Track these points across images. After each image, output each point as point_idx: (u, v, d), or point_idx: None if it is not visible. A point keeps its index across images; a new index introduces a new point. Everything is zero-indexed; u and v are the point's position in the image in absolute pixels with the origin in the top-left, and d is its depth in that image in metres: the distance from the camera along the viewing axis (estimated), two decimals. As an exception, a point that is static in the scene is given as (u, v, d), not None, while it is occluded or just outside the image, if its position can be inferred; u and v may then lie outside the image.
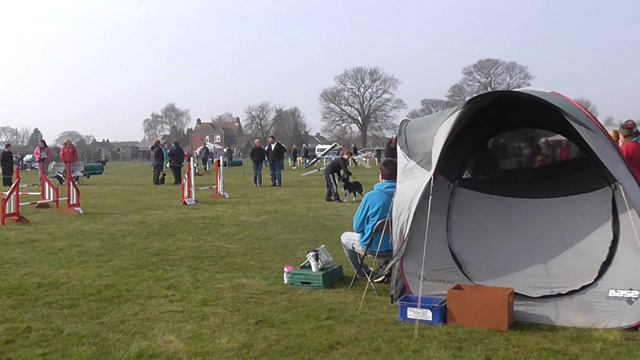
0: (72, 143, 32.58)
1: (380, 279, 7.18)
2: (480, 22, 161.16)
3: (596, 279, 5.64)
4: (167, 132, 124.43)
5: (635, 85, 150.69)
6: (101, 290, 7.07)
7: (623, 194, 5.41)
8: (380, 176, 7.49)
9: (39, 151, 27.44)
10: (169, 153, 30.02)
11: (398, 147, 6.51)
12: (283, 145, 28.37)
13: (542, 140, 6.80)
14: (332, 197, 18.19)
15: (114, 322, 5.82)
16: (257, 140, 29.56)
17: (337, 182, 18.44)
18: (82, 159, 47.46)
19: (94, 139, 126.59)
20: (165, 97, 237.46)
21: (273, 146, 25.97)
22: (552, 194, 6.23)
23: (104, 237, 11.30)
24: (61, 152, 28.68)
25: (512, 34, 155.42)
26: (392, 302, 6.26)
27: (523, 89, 6.31)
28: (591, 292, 5.62)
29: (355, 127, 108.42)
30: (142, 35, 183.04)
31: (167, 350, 5.01)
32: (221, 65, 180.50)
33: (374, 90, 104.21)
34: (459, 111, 6.00)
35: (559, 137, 6.57)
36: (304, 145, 61.64)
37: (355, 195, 18.31)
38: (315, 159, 49.27)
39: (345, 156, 19.82)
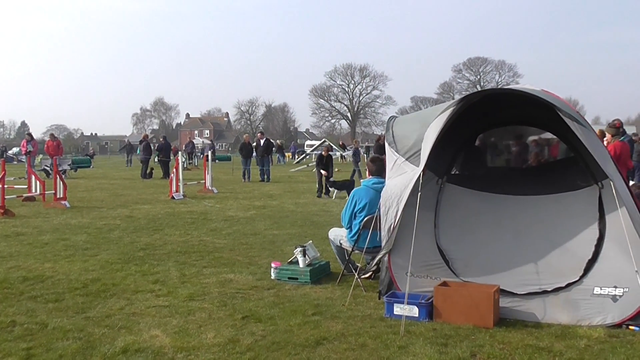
0: (58, 136, 32.25)
1: (367, 275, 7.19)
2: (470, 20, 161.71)
3: (581, 277, 5.68)
4: (155, 127, 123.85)
5: (622, 85, 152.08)
6: (87, 285, 7.03)
7: (614, 191, 5.44)
8: (367, 172, 7.49)
9: (25, 144, 27.23)
10: (157, 147, 29.88)
11: (386, 143, 6.51)
12: (272, 140, 28.30)
13: (531, 138, 6.83)
14: (322, 194, 18.23)
15: (100, 317, 5.78)
16: (246, 135, 29.46)
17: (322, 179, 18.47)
18: (69, 152, 47.08)
19: (82, 133, 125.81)
20: (154, 91, 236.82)
21: (262, 142, 25.92)
22: (540, 192, 6.26)
23: (90, 231, 11.23)
24: (45, 146, 28.48)
25: (502, 33, 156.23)
26: (379, 299, 6.27)
27: (514, 86, 6.34)
28: (576, 289, 5.66)
29: (344, 124, 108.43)
30: (132, 30, 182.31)
31: (153, 345, 4.99)
32: (211, 60, 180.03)
33: (364, 86, 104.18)
34: (451, 109, 6.01)
35: (548, 134, 6.60)
36: (292, 142, 61.69)
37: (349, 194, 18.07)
38: (304, 155, 49.20)
39: (323, 153, 19.77)
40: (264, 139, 26.41)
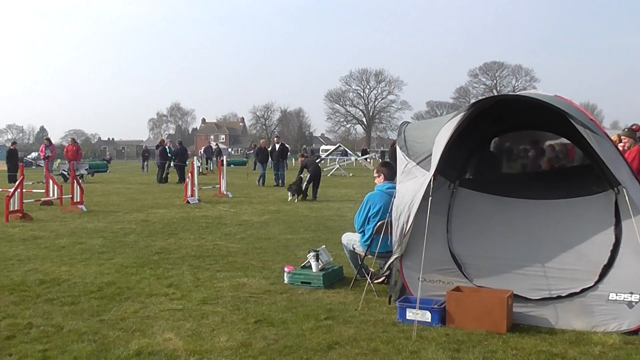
0: (77, 141, 32.59)
1: (380, 280, 7.18)
2: (486, 24, 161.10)
3: (597, 282, 5.62)
4: (172, 132, 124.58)
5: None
6: (102, 288, 7.09)
7: (627, 198, 5.39)
8: (380, 178, 7.46)
9: (44, 149, 27.62)
10: (173, 152, 30.07)
11: (397, 148, 6.51)
12: (287, 145, 28.36)
13: (547, 143, 6.79)
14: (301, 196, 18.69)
15: (114, 320, 5.84)
16: (262, 140, 29.55)
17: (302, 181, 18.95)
18: (87, 157, 47.44)
19: (99, 138, 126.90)
20: (171, 96, 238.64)
21: (277, 146, 25.98)
22: (554, 196, 6.20)
23: (106, 235, 11.33)
24: (65, 150, 28.77)
25: (518, 37, 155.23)
26: (390, 303, 6.26)
27: (526, 92, 6.32)
28: (591, 295, 5.61)
29: (359, 128, 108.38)
30: (148, 35, 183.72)
31: (166, 348, 5.03)
32: (227, 65, 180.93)
33: (379, 91, 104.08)
34: (462, 114, 6.00)
35: (563, 140, 6.55)
36: (304, 146, 61.64)
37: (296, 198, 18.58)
38: (319, 160, 49.28)
39: (300, 159, 20.11)
40: (280, 143, 26.47)
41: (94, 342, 5.17)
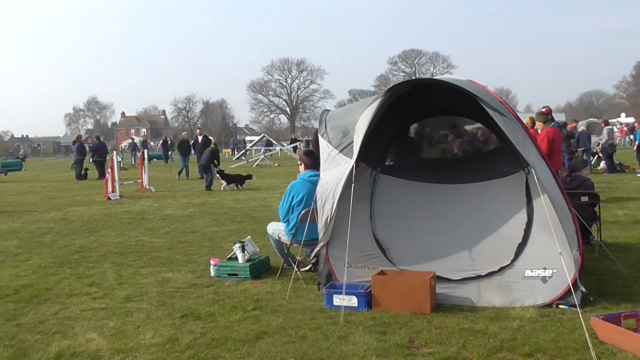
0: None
1: (307, 268, 7.23)
2: (404, 13, 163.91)
3: (513, 260, 5.87)
4: (90, 127, 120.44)
5: (551, 74, 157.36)
6: (19, 291, 6.80)
7: (535, 178, 5.62)
8: (302, 166, 7.51)
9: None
10: (91, 147, 29.12)
11: (319, 136, 6.55)
12: (210, 137, 27.95)
13: (462, 127, 7.00)
14: (212, 187, 19.24)
15: (33, 323, 5.62)
16: (185, 133, 29.03)
17: (214, 171, 19.56)
18: (-1, 155, 45.23)
19: (12, 135, 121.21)
20: (87, 90, 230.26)
21: (200, 138, 25.58)
22: (471, 179, 6.43)
23: (22, 235, 10.86)
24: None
25: (436, 25, 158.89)
26: (318, 289, 6.31)
27: (440, 76, 6.48)
28: (509, 272, 5.84)
29: (284, 118, 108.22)
30: (63, 27, 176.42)
31: (89, 349, 4.88)
32: (145, 57, 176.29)
33: (301, 81, 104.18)
34: (379, 99, 6.09)
35: (478, 124, 6.77)
36: (231, 138, 61.13)
37: (237, 187, 19.31)
38: (244, 151, 48.85)
39: (212, 145, 21.04)
40: (202, 135, 26.07)
41: (10, 348, 4.96)
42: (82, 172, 26.80)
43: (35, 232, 11.27)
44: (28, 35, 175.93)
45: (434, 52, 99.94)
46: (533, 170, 5.60)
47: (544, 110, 10.69)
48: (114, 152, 21.12)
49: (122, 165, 30.74)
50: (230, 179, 19.56)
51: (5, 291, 6.80)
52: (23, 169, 38.30)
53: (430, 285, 5.57)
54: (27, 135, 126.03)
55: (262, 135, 51.68)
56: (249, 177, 19.81)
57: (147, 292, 6.63)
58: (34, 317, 5.79)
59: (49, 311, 5.98)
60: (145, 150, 23.49)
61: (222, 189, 19.14)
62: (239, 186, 19.28)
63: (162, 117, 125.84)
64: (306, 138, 63.62)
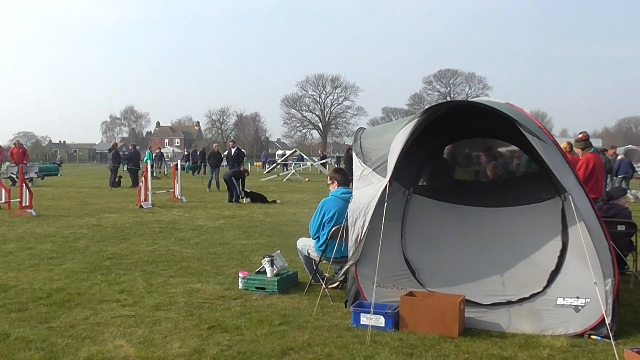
0: (25, 144, 31.83)
1: (334, 285, 7.21)
2: (441, 33, 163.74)
3: (545, 287, 5.77)
4: (125, 135, 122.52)
5: (589, 98, 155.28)
6: (51, 294, 6.92)
7: (572, 205, 5.54)
8: (334, 184, 7.49)
9: (-11, 152, 26.84)
10: (126, 156, 29.60)
11: (353, 154, 6.56)
12: (243, 150, 28.19)
13: (497, 150, 6.94)
14: (234, 199, 19.32)
15: (64, 327, 5.70)
16: (216, 144, 29.28)
17: (238, 186, 19.63)
18: (37, 160, 46.10)
19: (50, 140, 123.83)
20: (125, 99, 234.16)
21: (233, 151, 25.79)
22: (505, 203, 6.36)
23: (56, 240, 11.06)
24: (10, 153, 28.05)
25: (472, 46, 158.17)
26: (345, 307, 6.29)
27: (478, 99, 6.45)
28: (540, 299, 5.75)
29: (316, 134, 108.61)
30: (102, 37, 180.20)
31: (117, 355, 4.94)
32: (182, 69, 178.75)
33: (335, 97, 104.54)
34: (415, 120, 6.08)
35: (513, 147, 6.71)
36: (263, 151, 61.56)
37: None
38: (274, 165, 49.16)
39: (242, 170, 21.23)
40: (235, 147, 26.28)
41: (41, 350, 5.04)
42: (116, 179, 27.25)
43: (69, 237, 11.47)
44: (69, 45, 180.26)
45: (470, 73, 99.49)
46: (570, 197, 5.52)
47: (581, 136, 10.55)
48: (148, 161, 21.35)
49: (155, 175, 31.12)
50: (255, 197, 19.49)
51: (39, 294, 6.92)
52: (59, 174, 39.08)
53: (459, 309, 5.51)
54: (64, 141, 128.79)
55: (294, 149, 51.95)
56: (274, 202, 19.66)
57: (175, 301, 6.68)
58: (65, 321, 5.88)
59: (79, 316, 6.07)
60: (179, 161, 23.78)
61: (243, 201, 19.22)
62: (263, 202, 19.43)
63: (196, 128, 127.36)
64: (337, 154, 63.73)
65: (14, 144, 30.59)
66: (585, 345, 5.30)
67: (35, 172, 29.94)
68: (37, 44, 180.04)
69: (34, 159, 42.88)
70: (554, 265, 5.82)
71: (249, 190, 19.91)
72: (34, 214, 14.89)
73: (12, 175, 27.03)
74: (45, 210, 16.29)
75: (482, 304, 5.86)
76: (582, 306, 5.56)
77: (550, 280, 5.78)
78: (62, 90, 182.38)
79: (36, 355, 4.93)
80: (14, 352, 4.99)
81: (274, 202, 19.59)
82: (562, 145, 9.01)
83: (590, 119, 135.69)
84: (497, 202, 6.41)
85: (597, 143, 37.53)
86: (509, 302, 5.82)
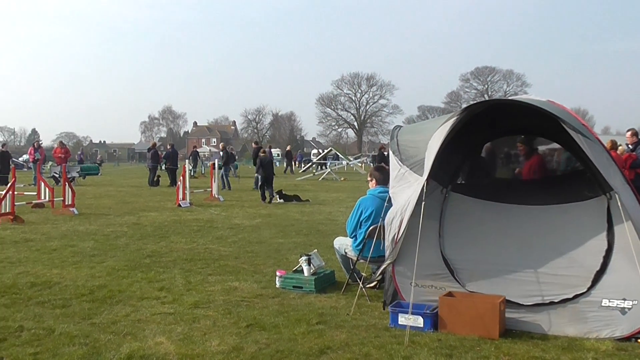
0: (67, 144, 32.57)
1: (372, 285, 7.18)
2: (477, 29, 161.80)
3: (589, 288, 5.62)
4: (163, 134, 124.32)
5: (632, 95, 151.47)
6: (94, 291, 7.05)
7: (619, 203, 5.40)
8: (373, 182, 7.46)
9: (32, 152, 27.58)
10: (164, 155, 30.00)
11: (390, 153, 6.51)
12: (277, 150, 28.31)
13: (539, 148, 6.80)
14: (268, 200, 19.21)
15: (106, 323, 5.80)
16: (254, 143, 29.49)
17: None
18: (78, 160, 47.16)
19: (91, 140, 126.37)
20: (163, 99, 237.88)
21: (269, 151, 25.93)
22: (547, 202, 6.21)
23: (97, 237, 11.27)
24: (53, 152, 28.75)
25: (510, 42, 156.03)
26: (384, 308, 6.25)
27: (519, 97, 6.33)
28: (584, 301, 5.60)
29: (351, 132, 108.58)
30: (140, 37, 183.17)
31: (158, 352, 5.00)
32: (219, 68, 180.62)
33: (371, 95, 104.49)
34: (454, 118, 6.01)
35: (555, 145, 6.57)
36: (299, 150, 61.79)
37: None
38: (310, 164, 49.25)
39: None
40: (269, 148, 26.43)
41: (85, 346, 5.13)
42: (155, 178, 27.64)
43: (110, 235, 11.68)
44: (108, 45, 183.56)
45: (507, 70, 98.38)
46: (617, 196, 5.38)
47: (629, 133, 10.31)
48: (186, 160, 21.58)
49: (192, 174, 31.48)
50: (288, 198, 19.50)
51: (82, 290, 7.06)
52: (100, 174, 39.85)
53: (500, 310, 5.43)
54: (104, 141, 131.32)
55: (330, 148, 51.96)
56: (307, 200, 19.69)
57: (214, 299, 6.74)
58: (107, 318, 5.98)
59: (121, 312, 6.17)
60: (216, 160, 23.99)
61: (273, 200, 19.17)
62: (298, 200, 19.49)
63: (233, 127, 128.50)
64: (372, 153, 63.54)
65: (58, 144, 31.32)
66: (632, 349, 5.16)
67: (77, 172, 30.59)
68: (76, 45, 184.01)
69: (75, 159, 43.76)
70: (599, 266, 5.65)
71: (282, 191, 19.96)
72: (76, 212, 15.22)
73: (55, 174, 27.66)
74: (86, 208, 16.63)
75: (523, 305, 5.75)
76: (629, 308, 5.40)
77: (595, 281, 5.62)
78: (102, 90, 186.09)
79: (80, 350, 5.02)
80: (59, 347, 5.10)
81: (307, 200, 19.62)
82: (605, 143, 8.83)
83: (633, 116, 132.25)
84: (538, 200, 6.26)
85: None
86: (551, 303, 5.69)
